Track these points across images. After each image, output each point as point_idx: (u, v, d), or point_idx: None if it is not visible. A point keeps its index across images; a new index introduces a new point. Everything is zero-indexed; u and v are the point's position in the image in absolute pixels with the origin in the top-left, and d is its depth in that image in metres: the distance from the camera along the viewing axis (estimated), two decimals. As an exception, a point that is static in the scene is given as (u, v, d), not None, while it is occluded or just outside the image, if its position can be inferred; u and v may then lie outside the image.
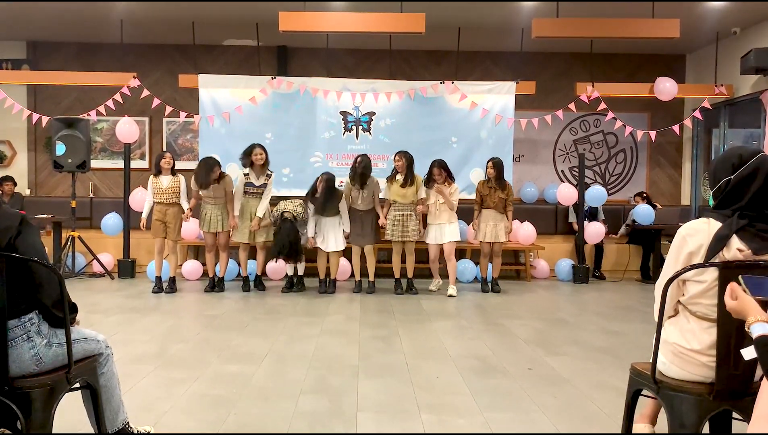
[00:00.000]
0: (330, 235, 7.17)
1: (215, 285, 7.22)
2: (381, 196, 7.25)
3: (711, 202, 2.37)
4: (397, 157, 7.12)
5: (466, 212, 8.11)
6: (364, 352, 4.57)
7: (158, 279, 7.11)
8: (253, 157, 7.06)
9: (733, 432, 2.53)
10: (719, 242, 2.19)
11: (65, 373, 2.36)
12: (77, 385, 2.50)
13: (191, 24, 8.41)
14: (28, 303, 2.32)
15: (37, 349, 2.32)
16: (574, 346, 4.87)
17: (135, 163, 9.33)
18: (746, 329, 1.76)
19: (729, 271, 2.12)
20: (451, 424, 3.17)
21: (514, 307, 6.53)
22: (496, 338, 5.09)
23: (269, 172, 7.21)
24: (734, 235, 2.18)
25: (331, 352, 4.56)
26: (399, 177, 7.12)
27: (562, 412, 3.36)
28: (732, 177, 2.27)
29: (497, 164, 7.30)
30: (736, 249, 2.17)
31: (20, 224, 2.29)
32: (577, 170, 8.73)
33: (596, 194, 8.48)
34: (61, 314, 2.34)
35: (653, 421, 2.78)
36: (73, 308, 2.47)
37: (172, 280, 7.14)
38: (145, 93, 8.46)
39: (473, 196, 7.70)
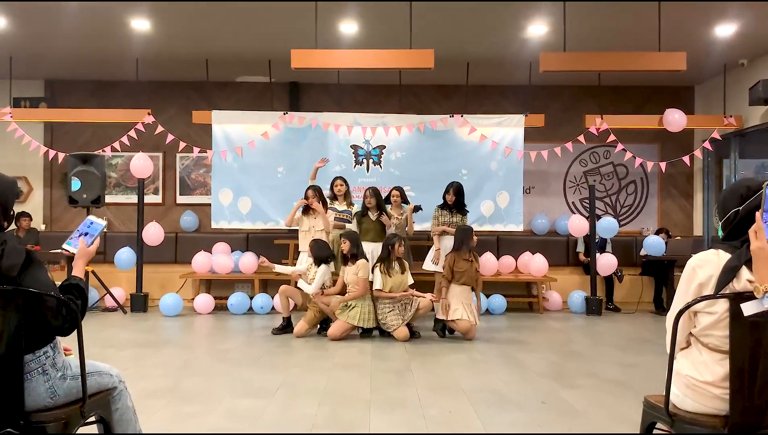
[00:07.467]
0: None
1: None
2: (376, 286, 6.41)
3: (720, 234, 2.38)
4: (397, 244, 6.44)
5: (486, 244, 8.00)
6: (376, 385, 4.56)
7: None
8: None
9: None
10: (729, 273, 2.19)
11: (80, 406, 2.38)
12: (92, 419, 2.52)
13: (205, 61, 8.59)
14: (42, 337, 2.34)
15: (52, 382, 2.34)
16: (588, 378, 4.83)
17: (149, 198, 9.44)
18: (759, 292, 1.86)
19: (740, 302, 2.13)
20: (464, 458, 3.14)
21: (528, 340, 6.48)
22: (509, 371, 5.05)
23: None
24: (743, 266, 2.19)
25: (343, 386, 4.54)
26: (396, 265, 6.49)
27: (576, 446, 3.33)
28: (740, 208, 2.28)
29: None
30: (746, 280, 2.17)
31: (26, 260, 2.30)
32: (587, 202, 8.73)
33: (607, 225, 8.46)
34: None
35: (669, 455, 2.75)
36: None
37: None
38: (159, 129, 8.61)
39: (486, 228, 7.70)
